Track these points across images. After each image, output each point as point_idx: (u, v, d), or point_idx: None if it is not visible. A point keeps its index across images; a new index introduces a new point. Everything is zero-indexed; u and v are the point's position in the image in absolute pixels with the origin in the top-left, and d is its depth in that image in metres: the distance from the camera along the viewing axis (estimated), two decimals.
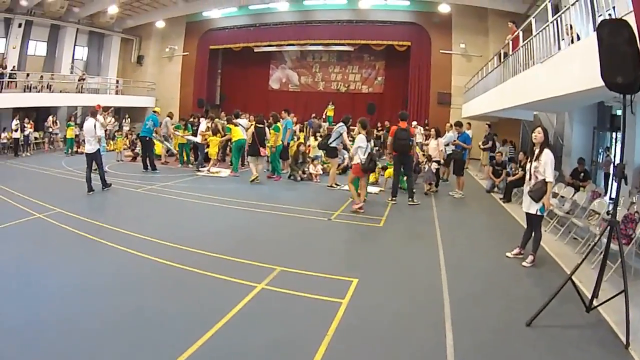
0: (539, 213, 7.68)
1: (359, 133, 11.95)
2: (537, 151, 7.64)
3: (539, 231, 7.89)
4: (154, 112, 18.06)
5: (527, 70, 12.11)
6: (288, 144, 17.17)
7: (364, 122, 11.99)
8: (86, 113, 16.87)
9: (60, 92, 27.27)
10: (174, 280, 6.54)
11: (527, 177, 7.82)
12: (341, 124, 15.02)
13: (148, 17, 32.13)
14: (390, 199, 12.77)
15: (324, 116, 28.45)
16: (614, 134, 16.17)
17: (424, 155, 16.48)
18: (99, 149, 12.65)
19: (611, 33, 5.11)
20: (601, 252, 7.84)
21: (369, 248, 8.73)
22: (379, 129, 26.02)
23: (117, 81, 32.93)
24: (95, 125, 12.49)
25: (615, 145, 15.62)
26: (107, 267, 6.97)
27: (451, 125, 17.93)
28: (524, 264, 7.74)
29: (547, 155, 7.49)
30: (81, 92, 28.50)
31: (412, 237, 9.78)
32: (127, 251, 7.65)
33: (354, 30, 29.43)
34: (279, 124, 15.76)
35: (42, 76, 27.14)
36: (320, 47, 31.69)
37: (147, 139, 17.21)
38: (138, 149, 20.41)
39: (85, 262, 7.17)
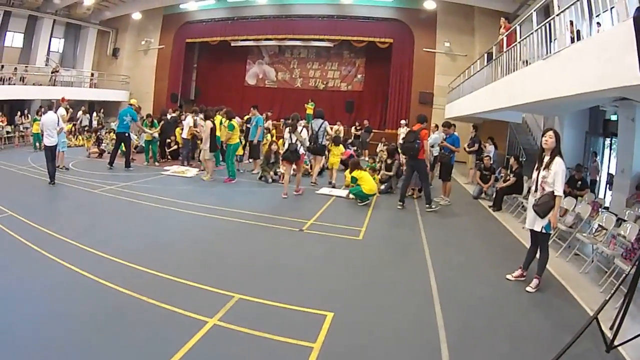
0: (544, 231, 6.61)
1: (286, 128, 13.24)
2: (546, 159, 6.57)
3: (546, 251, 6.81)
4: (130, 104, 16.67)
5: (525, 67, 11.10)
6: (259, 142, 16.27)
7: (292, 118, 13.14)
8: (58, 106, 15.86)
9: (34, 84, 26.11)
10: (110, 310, 5.20)
11: (533, 187, 6.74)
12: (322, 120, 14.16)
13: (125, 8, 30.96)
14: (398, 205, 12.03)
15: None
16: (606, 139, 15.49)
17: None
18: (57, 144, 12.70)
19: None
20: (611, 274, 7.05)
21: (346, 269, 7.30)
22: (358, 128, 25.00)
23: (92, 74, 31.62)
24: (58, 118, 13.03)
25: (610, 152, 14.94)
26: (42, 290, 5.70)
27: (437, 126, 17.02)
28: (527, 288, 6.63)
29: (559, 165, 6.44)
30: (54, 85, 27.24)
31: (397, 253, 8.52)
32: (69, 268, 6.37)
33: (335, 25, 28.36)
34: (234, 121, 14.63)
35: (16, 68, 25.99)
36: (299, 43, 30.69)
37: (126, 134, 15.97)
38: (103, 146, 19.51)
39: (20, 284, 5.85)
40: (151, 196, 11.59)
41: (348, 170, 13.68)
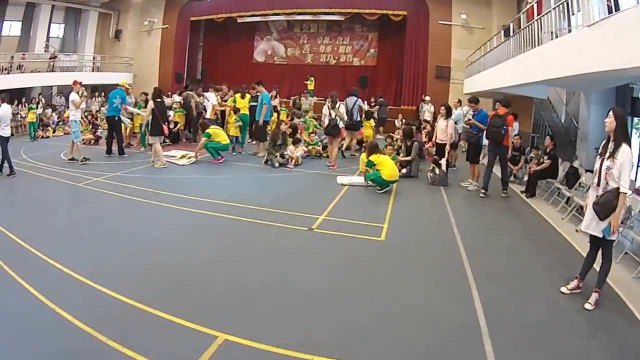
0: (605, 237, 5.42)
1: (325, 104, 15.11)
2: (611, 145, 5.31)
3: (609, 261, 5.58)
4: (120, 86, 15.41)
5: (562, 36, 9.83)
6: (265, 122, 15.16)
7: (331, 95, 14.44)
8: (61, 92, 14.98)
9: (32, 72, 25.32)
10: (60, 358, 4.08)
11: (595, 180, 5.49)
12: (355, 98, 14.67)
13: None
14: (481, 192, 11.26)
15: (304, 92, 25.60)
16: (635, 119, 14.36)
17: (427, 135, 15.24)
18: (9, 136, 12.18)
19: None
20: None
21: (367, 288, 5.87)
22: (372, 104, 23.76)
23: (94, 58, 30.62)
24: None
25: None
26: None
27: (459, 101, 15.89)
28: (586, 305, 5.43)
29: (626, 154, 5.18)
30: (52, 71, 26.47)
31: (429, 261, 6.98)
32: (27, 291, 5.30)
33: None
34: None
35: (12, 57, 25.27)
36: (308, 17, 29.19)
37: (116, 118, 14.83)
38: (100, 132, 18.41)
39: None
40: (139, 189, 10.48)
41: (364, 154, 12.31)
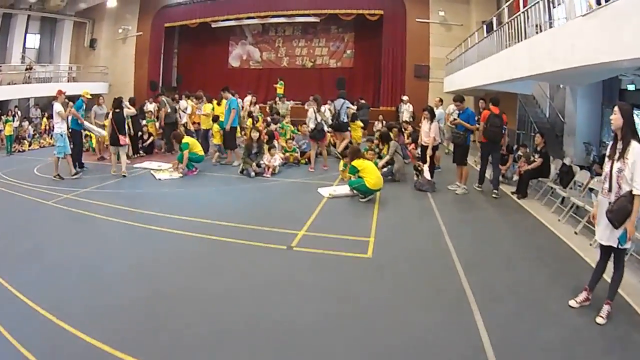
0: (620, 245, 4.87)
1: (310, 107, 15.01)
2: (620, 145, 4.78)
3: (621, 270, 5.05)
4: (82, 96, 14.47)
5: (556, 27, 9.43)
6: (233, 128, 14.49)
7: (316, 99, 14.38)
8: (37, 104, 14.47)
9: (8, 84, 24.70)
10: None
11: (606, 185, 4.95)
12: (343, 100, 14.89)
13: None
14: (476, 185, 11.67)
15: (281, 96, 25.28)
16: None
17: (408, 136, 15.18)
18: None
19: None
20: None
21: (356, 319, 5.11)
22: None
23: (70, 68, 29.93)
24: None
25: None
26: None
27: (440, 100, 15.49)
28: (598, 320, 4.93)
29: (637, 152, 4.64)
30: (29, 83, 25.89)
31: (423, 280, 6.27)
32: None
33: None
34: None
35: None
36: (283, 19, 28.80)
37: (70, 130, 14.03)
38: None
39: None
40: (109, 206, 9.80)
41: (342, 162, 12.14)
